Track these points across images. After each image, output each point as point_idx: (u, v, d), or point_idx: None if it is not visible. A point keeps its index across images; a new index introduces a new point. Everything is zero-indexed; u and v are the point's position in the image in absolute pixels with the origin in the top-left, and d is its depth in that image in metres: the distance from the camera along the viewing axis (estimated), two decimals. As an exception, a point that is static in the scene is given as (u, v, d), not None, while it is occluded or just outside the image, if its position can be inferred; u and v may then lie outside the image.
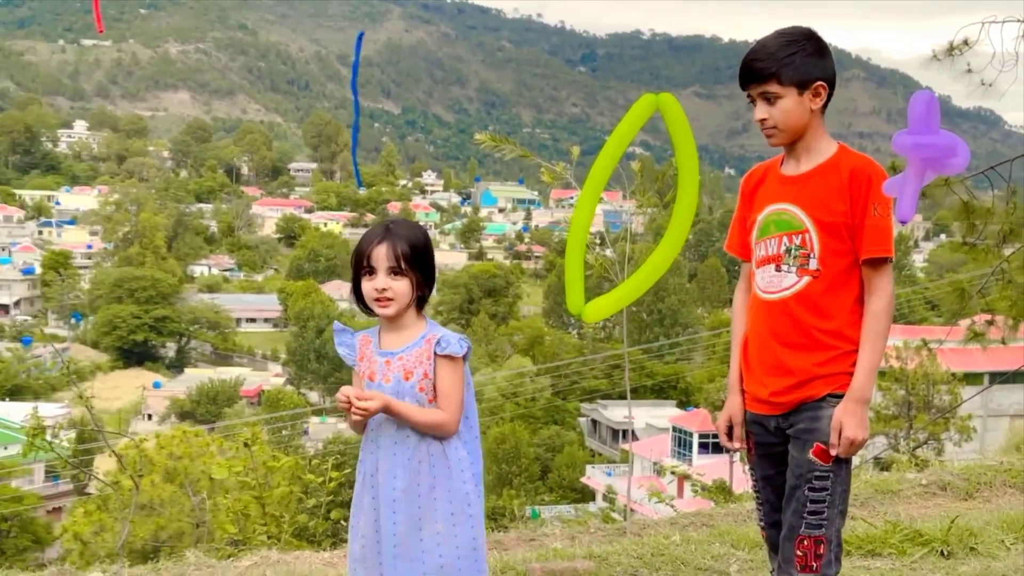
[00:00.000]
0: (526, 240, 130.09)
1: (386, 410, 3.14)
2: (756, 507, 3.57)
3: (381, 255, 3.20)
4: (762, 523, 3.53)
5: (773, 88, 3.25)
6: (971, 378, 36.58)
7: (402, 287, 3.21)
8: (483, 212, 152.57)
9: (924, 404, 34.64)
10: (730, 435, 3.49)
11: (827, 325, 3.26)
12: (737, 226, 3.53)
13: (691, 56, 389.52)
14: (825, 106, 3.34)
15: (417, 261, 3.23)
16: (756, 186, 3.47)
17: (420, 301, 3.30)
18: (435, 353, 3.21)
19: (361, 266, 3.24)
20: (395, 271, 3.20)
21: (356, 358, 3.31)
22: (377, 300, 3.22)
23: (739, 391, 3.47)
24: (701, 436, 44.24)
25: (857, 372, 3.23)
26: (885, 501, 6.90)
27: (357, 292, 3.27)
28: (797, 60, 3.25)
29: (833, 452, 3.20)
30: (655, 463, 40.49)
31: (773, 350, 3.33)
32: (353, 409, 3.12)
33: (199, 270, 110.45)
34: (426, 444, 3.21)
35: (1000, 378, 34.17)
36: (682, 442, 46.46)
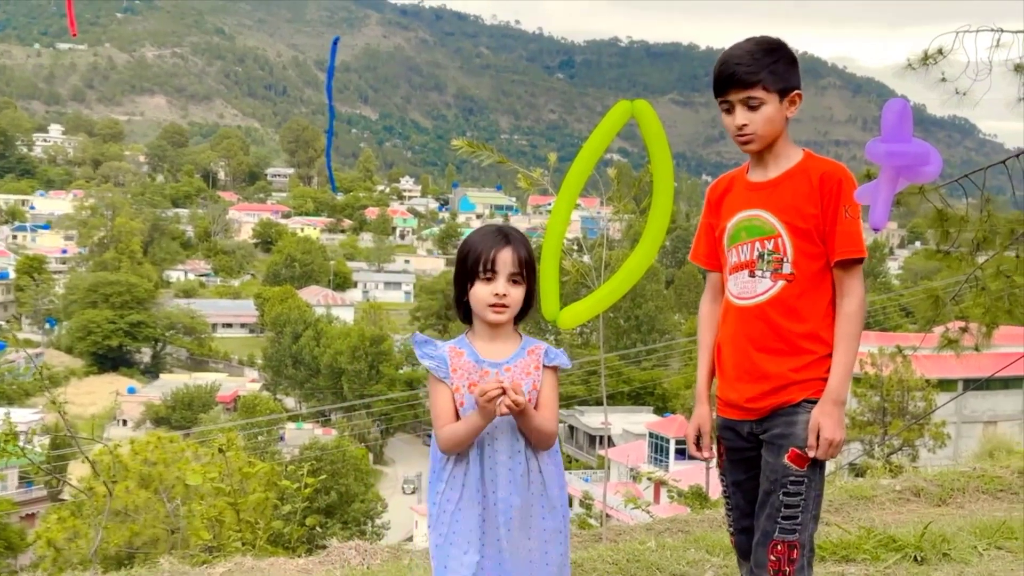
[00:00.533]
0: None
1: (522, 412, 3.04)
2: (726, 513, 3.55)
3: (507, 260, 3.13)
4: (731, 528, 3.52)
5: (758, 94, 3.25)
6: (945, 385, 36.80)
7: (518, 295, 3.16)
8: (461, 218, 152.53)
9: (898, 410, 34.83)
10: (699, 444, 3.49)
11: (803, 328, 3.27)
12: (703, 236, 3.52)
13: (668, 63, 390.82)
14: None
15: (532, 271, 3.20)
16: (723, 195, 3.46)
17: (521, 313, 3.24)
18: (543, 365, 3.18)
19: (481, 270, 3.14)
20: (515, 278, 3.15)
21: (448, 370, 3.16)
22: (492, 306, 3.13)
23: (707, 400, 3.47)
24: (678, 442, 44.31)
25: (832, 374, 3.24)
26: (859, 507, 6.93)
27: (459, 295, 3.20)
28: (780, 67, 3.27)
29: (811, 453, 3.20)
30: (632, 469, 40.54)
31: (749, 356, 3.32)
32: (509, 402, 2.97)
33: (175, 275, 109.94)
34: (534, 457, 3.16)
35: (974, 385, 34.43)
36: (659, 448, 46.54)
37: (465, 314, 3.22)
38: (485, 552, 3.10)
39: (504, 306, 3.14)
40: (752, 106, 3.26)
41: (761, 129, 3.27)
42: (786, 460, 3.24)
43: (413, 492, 57.19)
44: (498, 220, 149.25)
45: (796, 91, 3.30)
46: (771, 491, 3.26)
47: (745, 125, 3.27)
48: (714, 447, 3.49)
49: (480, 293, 3.14)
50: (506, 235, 3.18)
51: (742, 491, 3.43)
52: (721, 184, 3.50)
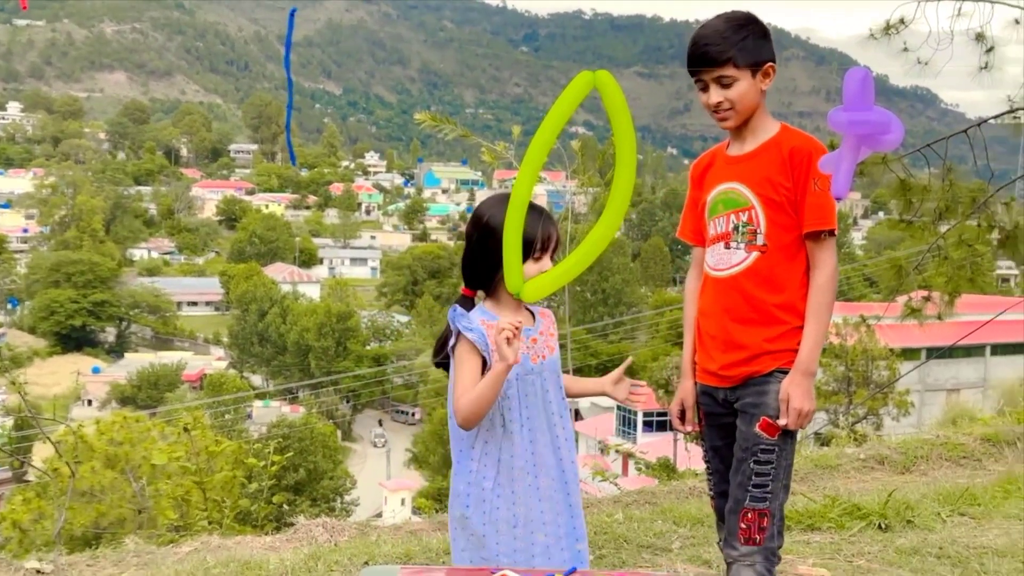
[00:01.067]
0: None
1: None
2: (707, 476, 3.63)
3: (553, 238, 3.22)
4: (711, 492, 3.59)
5: (729, 72, 3.28)
6: (909, 353, 37.19)
7: (547, 263, 3.24)
8: (426, 193, 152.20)
9: (863, 380, 35.17)
10: (682, 419, 3.57)
11: (778, 298, 3.32)
12: (689, 212, 3.58)
13: (632, 36, 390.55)
14: None
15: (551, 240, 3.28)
16: (705, 170, 3.52)
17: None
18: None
19: (534, 249, 3.15)
20: (552, 254, 3.25)
21: (489, 345, 3.11)
22: None
23: (691, 375, 3.54)
24: (645, 415, 44.56)
25: (803, 344, 3.28)
26: (824, 476, 6.99)
27: (487, 270, 3.18)
28: (750, 43, 3.30)
29: (782, 422, 3.24)
30: (600, 442, 40.73)
31: (725, 326, 3.38)
32: (511, 335, 2.95)
33: (138, 254, 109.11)
34: (561, 432, 3.24)
35: (937, 353, 34.79)
36: (626, 420, 46.77)
37: (480, 285, 3.23)
38: (518, 533, 3.13)
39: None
40: (724, 84, 3.30)
41: (736, 105, 3.32)
42: (757, 429, 3.29)
43: (384, 445, 57.14)
44: (464, 195, 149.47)
45: (768, 63, 3.34)
46: (743, 459, 3.32)
47: (720, 103, 3.32)
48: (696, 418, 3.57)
49: (530, 271, 3.15)
50: (545, 212, 3.23)
51: (719, 456, 3.50)
52: (704, 159, 3.57)
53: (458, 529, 3.18)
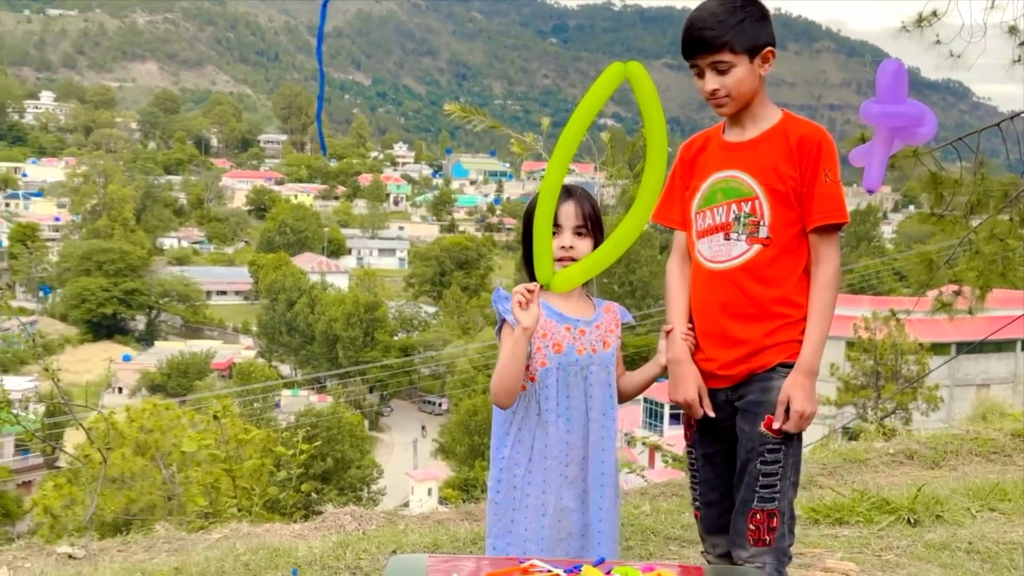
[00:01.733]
0: (498, 212, 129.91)
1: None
2: (691, 487, 3.46)
3: (569, 213, 3.19)
4: (697, 503, 3.43)
5: (726, 57, 3.14)
6: (938, 348, 36.89)
7: (585, 247, 3.21)
8: (454, 184, 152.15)
9: (892, 374, 34.92)
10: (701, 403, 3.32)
11: (775, 293, 3.18)
12: (675, 195, 3.39)
13: (662, 28, 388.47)
14: None
15: (597, 224, 3.24)
16: (697, 154, 3.36)
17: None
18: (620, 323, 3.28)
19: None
20: (579, 231, 3.21)
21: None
22: (560, 260, 3.17)
23: (691, 360, 3.30)
24: (672, 407, 44.44)
25: (805, 345, 3.16)
26: (853, 470, 6.97)
27: (527, 255, 3.18)
28: (747, 26, 3.14)
29: (776, 425, 3.13)
30: (626, 434, 40.69)
31: (718, 321, 3.24)
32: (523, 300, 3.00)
33: (168, 243, 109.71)
34: (601, 426, 3.23)
35: (967, 348, 34.54)
36: (653, 413, 46.69)
37: (531, 274, 3.20)
38: (547, 522, 3.13)
39: (571, 259, 3.18)
40: (721, 70, 3.16)
41: (733, 92, 3.18)
42: (762, 428, 3.16)
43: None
44: (492, 186, 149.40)
45: (768, 47, 3.19)
46: (749, 460, 3.18)
47: (716, 90, 3.18)
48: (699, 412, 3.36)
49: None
50: (568, 190, 3.22)
51: (711, 464, 3.35)
52: (696, 143, 3.40)
53: (491, 514, 3.21)
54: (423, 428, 63.23)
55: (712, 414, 3.28)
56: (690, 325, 3.33)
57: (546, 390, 3.14)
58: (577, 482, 3.17)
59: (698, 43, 3.18)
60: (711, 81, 3.19)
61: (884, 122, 2.67)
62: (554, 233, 3.13)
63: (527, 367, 3.14)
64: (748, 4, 3.19)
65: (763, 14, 3.21)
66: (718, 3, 3.19)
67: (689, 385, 3.28)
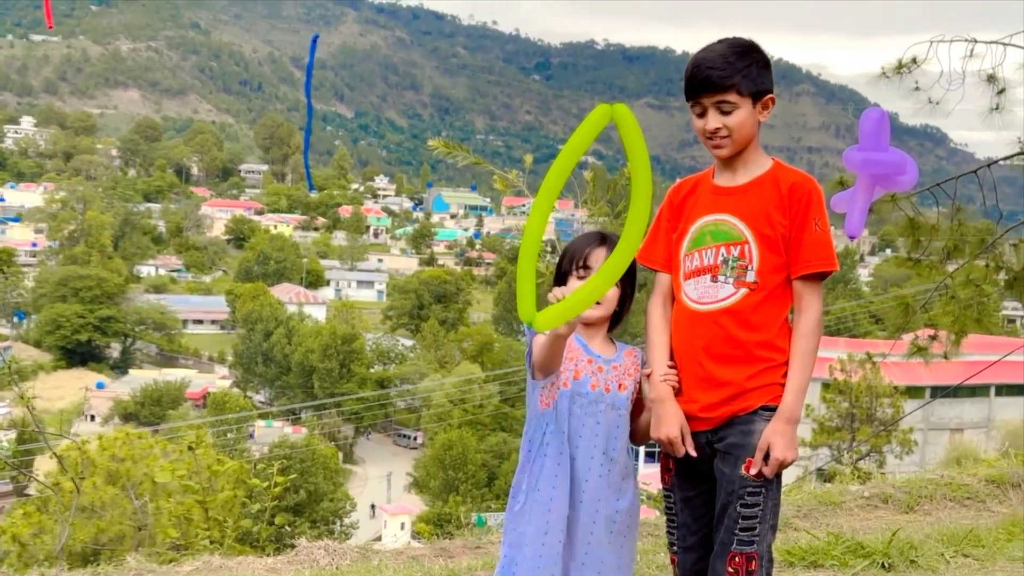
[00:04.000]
0: (477, 247, 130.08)
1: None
2: (668, 531, 3.44)
3: (600, 257, 3.25)
4: (675, 547, 3.40)
5: (732, 98, 3.17)
6: (913, 392, 37.05)
7: (613, 293, 3.28)
8: (435, 218, 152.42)
9: (867, 416, 35.03)
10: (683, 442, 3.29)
11: (758, 337, 3.19)
12: (661, 237, 3.40)
13: (644, 67, 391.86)
14: None
15: (629, 274, 3.26)
16: (686, 197, 3.37)
17: (617, 317, 3.36)
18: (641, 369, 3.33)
19: (575, 267, 3.28)
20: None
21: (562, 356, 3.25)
22: None
23: (674, 398, 3.27)
24: (648, 445, 44.40)
25: (787, 392, 3.16)
26: (827, 513, 6.96)
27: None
28: (754, 71, 3.19)
29: (754, 471, 3.13)
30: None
31: (701, 363, 3.23)
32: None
33: (146, 270, 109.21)
34: (624, 464, 3.33)
35: (942, 392, 34.68)
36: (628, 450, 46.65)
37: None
38: (547, 539, 3.19)
39: (598, 303, 3.20)
40: (725, 111, 3.19)
41: (735, 134, 3.20)
42: (742, 471, 3.16)
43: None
44: (472, 221, 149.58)
45: (769, 95, 3.24)
46: (728, 503, 3.18)
47: (718, 129, 3.20)
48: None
49: (572, 286, 3.24)
50: (603, 236, 3.32)
51: (690, 507, 3.34)
52: (685, 186, 3.42)
53: (508, 521, 3.29)
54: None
55: (694, 453, 3.26)
56: (672, 364, 3.32)
57: (560, 412, 3.23)
58: (566, 511, 3.21)
59: (705, 82, 3.20)
60: (714, 120, 3.21)
61: (866, 169, 2.69)
62: (581, 276, 3.25)
63: (553, 384, 3.24)
64: (754, 50, 3.24)
65: (766, 63, 3.26)
66: (727, 46, 3.23)
67: (672, 423, 3.25)
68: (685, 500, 3.36)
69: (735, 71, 3.17)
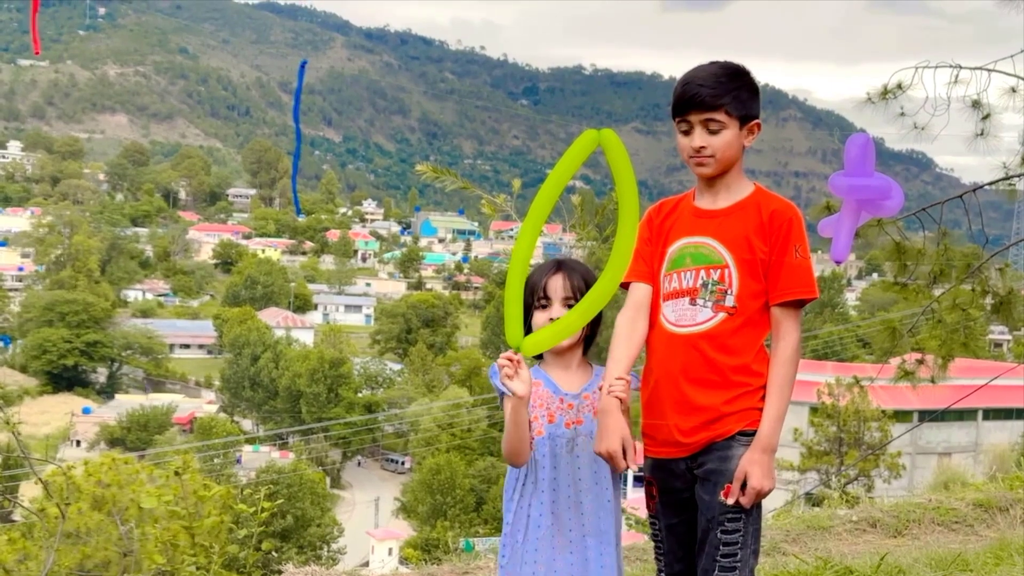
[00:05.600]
0: (465, 271, 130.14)
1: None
2: (656, 557, 3.43)
3: (557, 286, 3.24)
4: (662, 573, 3.39)
5: (720, 117, 3.17)
6: (901, 416, 37.11)
7: None
8: (423, 242, 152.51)
9: (855, 441, 35.05)
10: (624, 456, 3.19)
11: (735, 361, 3.17)
12: (643, 254, 3.33)
13: (631, 92, 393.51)
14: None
15: None
16: (666, 218, 3.36)
17: (587, 341, 3.33)
18: None
19: (536, 298, 3.26)
20: (568, 303, 3.24)
21: (529, 400, 3.18)
22: None
23: (619, 411, 3.17)
24: (637, 470, 44.32)
25: (764, 421, 3.14)
26: (816, 537, 6.96)
27: (528, 327, 3.20)
28: (744, 94, 3.20)
29: (731, 501, 3.11)
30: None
31: (679, 386, 3.21)
32: (510, 370, 3.04)
33: (133, 295, 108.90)
34: (610, 488, 3.33)
35: (929, 416, 34.74)
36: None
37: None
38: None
39: None
40: (712, 130, 3.18)
41: (719, 154, 3.20)
42: (721, 497, 3.14)
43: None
44: (460, 245, 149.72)
45: (756, 121, 3.24)
46: (709, 529, 3.16)
47: (703, 147, 3.19)
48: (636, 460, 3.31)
49: (538, 320, 3.24)
50: (559, 263, 3.31)
51: (675, 535, 3.32)
52: (666, 207, 3.41)
53: (501, 571, 3.29)
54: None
55: (634, 467, 3.25)
56: (626, 377, 3.22)
57: (542, 459, 3.23)
58: (571, 551, 3.21)
59: (694, 99, 3.19)
60: (700, 138, 3.21)
61: (852, 195, 2.71)
62: (544, 306, 3.23)
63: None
64: (745, 74, 3.25)
65: (755, 88, 3.27)
66: (718, 66, 3.25)
67: (613, 437, 3.14)
68: (669, 527, 3.34)
69: (725, 91, 3.18)
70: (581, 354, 3.33)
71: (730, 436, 3.17)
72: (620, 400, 3.17)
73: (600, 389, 3.25)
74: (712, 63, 3.27)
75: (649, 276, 3.34)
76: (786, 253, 3.17)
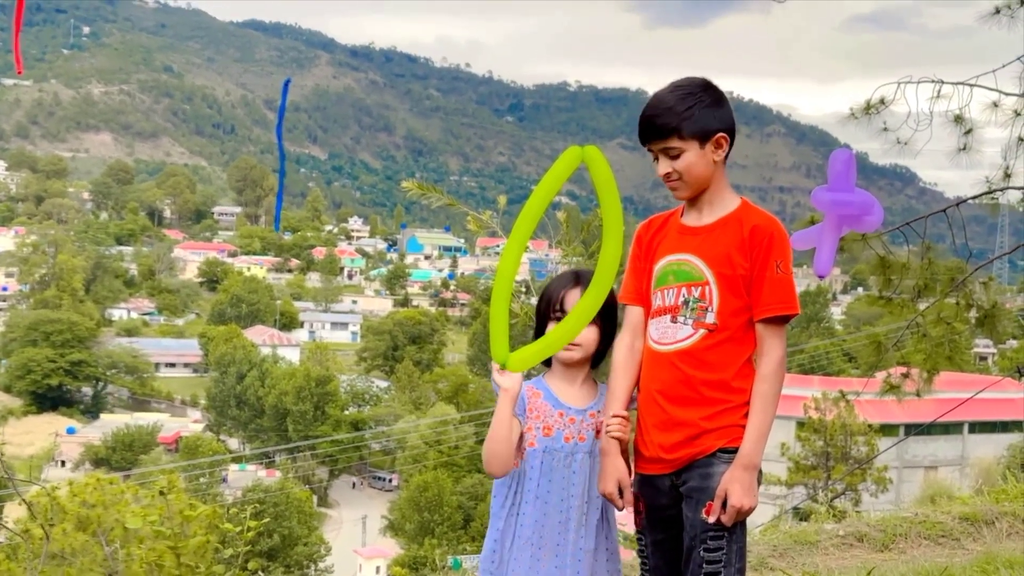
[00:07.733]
0: (451, 287, 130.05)
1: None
2: (641, 573, 3.42)
3: (574, 299, 3.22)
4: None
5: (674, 143, 3.19)
6: (887, 429, 37.19)
7: (591, 335, 3.24)
8: (409, 259, 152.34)
9: (842, 455, 35.11)
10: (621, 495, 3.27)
11: (712, 378, 3.16)
12: (638, 275, 3.37)
13: (616, 108, 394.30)
14: (727, 156, 3.27)
15: (607, 313, 3.23)
16: (654, 235, 3.37)
17: (598, 357, 3.32)
18: None
19: (552, 310, 3.25)
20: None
21: (525, 408, 3.21)
22: (567, 348, 3.20)
23: (619, 452, 3.25)
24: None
25: (746, 438, 3.12)
26: (803, 552, 6.95)
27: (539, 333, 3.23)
28: (696, 113, 3.19)
29: (712, 519, 3.10)
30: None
31: (659, 403, 3.21)
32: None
33: (118, 314, 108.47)
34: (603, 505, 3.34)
35: (915, 430, 34.81)
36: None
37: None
38: None
39: (576, 345, 3.20)
40: (672, 155, 3.21)
41: (685, 176, 3.21)
42: (703, 515, 3.13)
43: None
44: (446, 261, 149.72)
45: (720, 133, 3.22)
46: (692, 547, 3.16)
47: (668, 174, 3.23)
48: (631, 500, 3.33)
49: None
50: (577, 276, 3.30)
51: (661, 551, 3.31)
52: (654, 224, 3.42)
53: None
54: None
55: (622, 508, 3.29)
56: (623, 414, 3.28)
57: (531, 471, 3.20)
58: (556, 565, 3.20)
59: (648, 129, 3.24)
60: (663, 165, 3.24)
61: (834, 209, 2.73)
62: (559, 318, 3.21)
63: (519, 446, 3.18)
64: (701, 91, 3.23)
65: (716, 100, 3.24)
66: (670, 91, 3.25)
67: (609, 480, 3.23)
68: (655, 544, 3.34)
69: (674, 116, 3.19)
70: (589, 369, 3.33)
71: (711, 453, 3.16)
72: (619, 440, 3.23)
73: (601, 412, 3.29)
74: (669, 85, 3.29)
75: (640, 296, 3.36)
76: (767, 268, 3.16)
